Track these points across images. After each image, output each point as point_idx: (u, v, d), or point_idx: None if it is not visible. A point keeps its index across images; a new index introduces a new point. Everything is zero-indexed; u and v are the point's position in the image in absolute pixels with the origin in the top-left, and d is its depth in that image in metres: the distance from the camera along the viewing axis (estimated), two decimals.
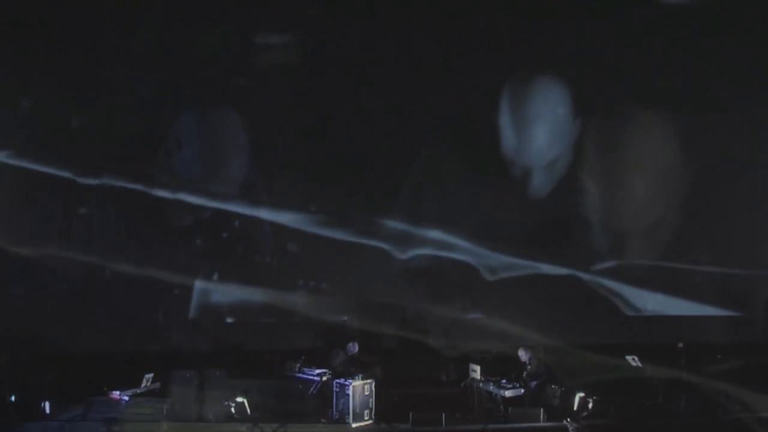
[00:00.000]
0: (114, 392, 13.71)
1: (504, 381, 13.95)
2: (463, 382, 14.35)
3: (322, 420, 13.62)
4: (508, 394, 13.69)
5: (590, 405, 13.68)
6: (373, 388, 13.68)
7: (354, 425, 13.38)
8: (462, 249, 16.28)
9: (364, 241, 16.21)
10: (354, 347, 14.77)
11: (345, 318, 16.34)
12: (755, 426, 13.47)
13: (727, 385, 14.22)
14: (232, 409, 13.45)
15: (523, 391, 13.84)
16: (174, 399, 13.46)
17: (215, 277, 16.22)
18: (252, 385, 14.05)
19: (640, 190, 16.31)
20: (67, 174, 15.80)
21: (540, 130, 16.37)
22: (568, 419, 13.16)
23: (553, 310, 15.88)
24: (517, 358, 14.39)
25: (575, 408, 13.73)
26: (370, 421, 13.59)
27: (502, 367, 14.58)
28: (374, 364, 14.89)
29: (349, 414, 13.37)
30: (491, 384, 13.94)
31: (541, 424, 13.38)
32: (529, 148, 16.37)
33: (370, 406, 13.61)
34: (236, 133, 16.02)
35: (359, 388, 13.50)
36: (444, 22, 15.98)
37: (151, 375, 14.04)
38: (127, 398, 13.65)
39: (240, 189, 16.18)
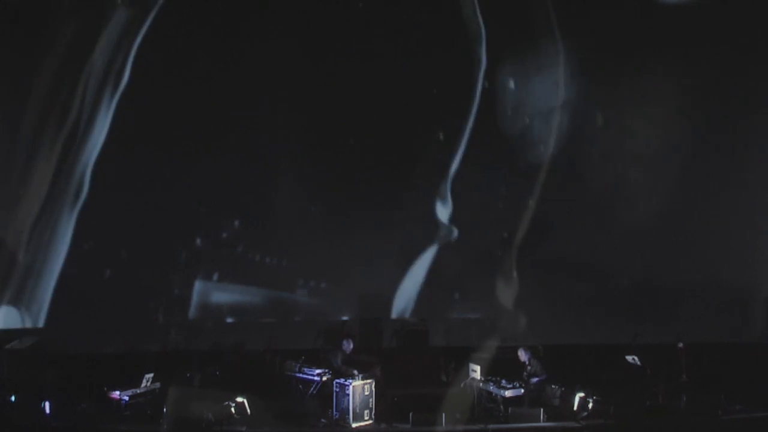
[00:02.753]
0: (114, 392, 13.73)
1: (504, 381, 13.95)
2: (463, 382, 14.35)
3: (322, 420, 13.62)
4: (508, 394, 13.69)
5: (590, 405, 13.68)
6: (373, 388, 13.68)
7: (354, 425, 13.38)
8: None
9: (365, 241, 16.24)
10: (349, 344, 14.77)
11: (345, 318, 16.35)
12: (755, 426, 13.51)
13: (727, 385, 14.22)
14: (232, 409, 13.44)
15: (523, 391, 13.83)
16: (174, 399, 13.46)
17: (215, 277, 16.23)
18: (252, 385, 14.07)
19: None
20: None
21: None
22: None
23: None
24: (517, 358, 14.41)
25: (575, 408, 13.74)
26: (370, 421, 13.59)
27: (502, 367, 14.58)
28: (374, 364, 14.90)
29: (349, 414, 13.37)
30: (491, 384, 13.94)
31: (541, 424, 13.38)
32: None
33: (370, 406, 13.61)
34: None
35: (359, 388, 13.49)
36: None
37: (151, 375, 14.04)
38: (127, 398, 13.67)
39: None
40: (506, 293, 14.61)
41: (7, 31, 15.61)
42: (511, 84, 16.31)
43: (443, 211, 16.25)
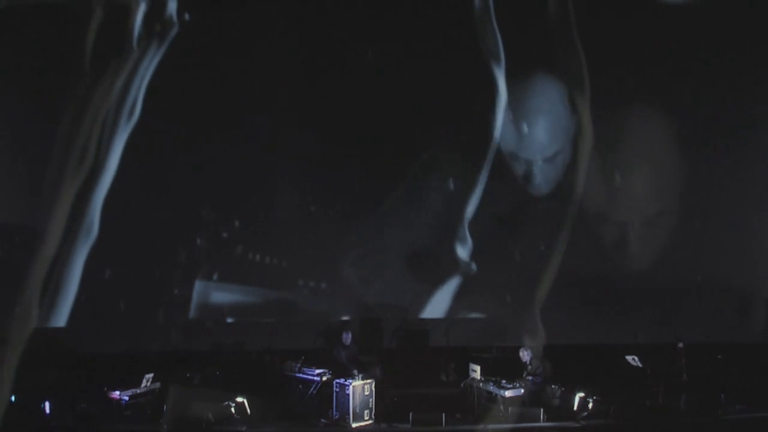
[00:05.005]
0: (114, 392, 13.73)
1: (504, 381, 13.95)
2: (463, 382, 14.35)
3: (322, 420, 13.63)
4: (508, 394, 13.69)
5: (590, 405, 13.69)
6: (373, 388, 13.68)
7: (354, 425, 13.39)
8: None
9: (365, 241, 16.24)
10: (348, 336, 14.79)
11: (345, 318, 16.36)
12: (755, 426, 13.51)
13: (727, 385, 14.22)
14: (232, 409, 13.45)
15: (523, 391, 13.84)
16: (174, 399, 13.46)
17: (215, 277, 16.24)
18: (252, 385, 14.07)
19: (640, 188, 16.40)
20: None
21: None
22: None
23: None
24: (518, 358, 14.42)
25: (575, 408, 13.75)
26: (370, 421, 13.59)
27: (502, 367, 14.60)
28: (374, 364, 14.91)
29: (349, 414, 13.37)
30: (491, 384, 13.94)
31: (541, 424, 13.39)
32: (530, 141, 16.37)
33: (370, 406, 13.61)
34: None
35: (359, 388, 13.50)
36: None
37: (151, 375, 14.05)
38: (127, 398, 13.67)
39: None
40: (535, 343, 14.56)
41: (33, 81, 15.71)
42: (525, 127, 16.36)
43: (463, 251, 16.26)
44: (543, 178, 16.35)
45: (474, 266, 16.16)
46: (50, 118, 15.47)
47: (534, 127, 16.35)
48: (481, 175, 16.23)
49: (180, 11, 15.84)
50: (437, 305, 16.33)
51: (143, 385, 13.93)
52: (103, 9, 15.40)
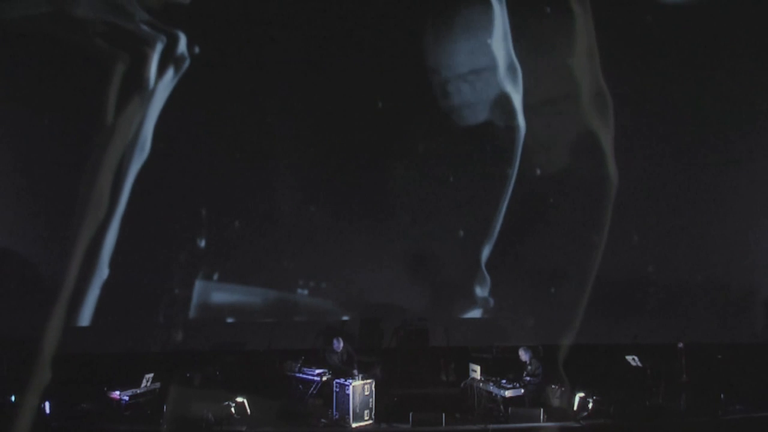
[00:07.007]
0: (114, 392, 13.74)
1: (504, 381, 13.95)
2: (463, 382, 14.36)
3: (322, 420, 13.64)
4: (508, 394, 13.69)
5: (590, 405, 13.69)
6: (373, 388, 13.69)
7: (354, 425, 13.39)
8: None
9: (365, 241, 16.25)
10: (339, 343, 14.72)
11: (345, 318, 16.37)
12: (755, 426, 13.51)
13: (727, 385, 14.23)
14: (232, 409, 13.46)
15: (523, 391, 13.84)
16: (174, 399, 13.47)
17: (215, 277, 16.24)
18: (252, 385, 14.08)
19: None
20: None
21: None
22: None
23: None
24: (518, 358, 14.42)
25: (575, 408, 13.76)
26: (370, 421, 13.60)
27: (502, 367, 14.60)
28: (374, 364, 14.91)
29: (349, 414, 13.38)
30: (491, 384, 13.95)
31: (541, 424, 13.39)
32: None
33: (370, 406, 13.62)
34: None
35: (359, 388, 13.51)
36: None
37: (151, 375, 14.06)
38: (127, 398, 13.68)
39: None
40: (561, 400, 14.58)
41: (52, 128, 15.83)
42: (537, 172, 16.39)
43: (481, 290, 16.30)
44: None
45: (492, 301, 16.21)
46: (72, 161, 15.61)
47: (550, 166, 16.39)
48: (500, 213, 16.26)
49: (190, 45, 15.91)
50: None
51: (143, 385, 13.94)
52: (124, 61, 15.56)
